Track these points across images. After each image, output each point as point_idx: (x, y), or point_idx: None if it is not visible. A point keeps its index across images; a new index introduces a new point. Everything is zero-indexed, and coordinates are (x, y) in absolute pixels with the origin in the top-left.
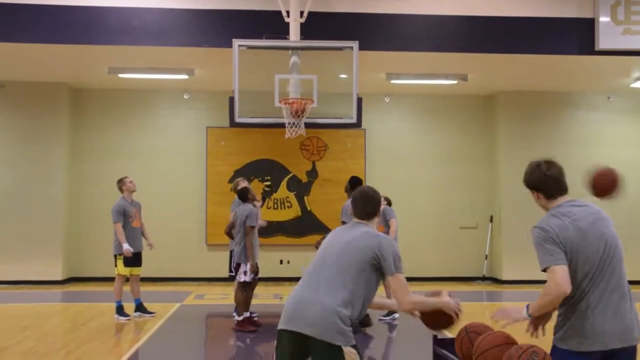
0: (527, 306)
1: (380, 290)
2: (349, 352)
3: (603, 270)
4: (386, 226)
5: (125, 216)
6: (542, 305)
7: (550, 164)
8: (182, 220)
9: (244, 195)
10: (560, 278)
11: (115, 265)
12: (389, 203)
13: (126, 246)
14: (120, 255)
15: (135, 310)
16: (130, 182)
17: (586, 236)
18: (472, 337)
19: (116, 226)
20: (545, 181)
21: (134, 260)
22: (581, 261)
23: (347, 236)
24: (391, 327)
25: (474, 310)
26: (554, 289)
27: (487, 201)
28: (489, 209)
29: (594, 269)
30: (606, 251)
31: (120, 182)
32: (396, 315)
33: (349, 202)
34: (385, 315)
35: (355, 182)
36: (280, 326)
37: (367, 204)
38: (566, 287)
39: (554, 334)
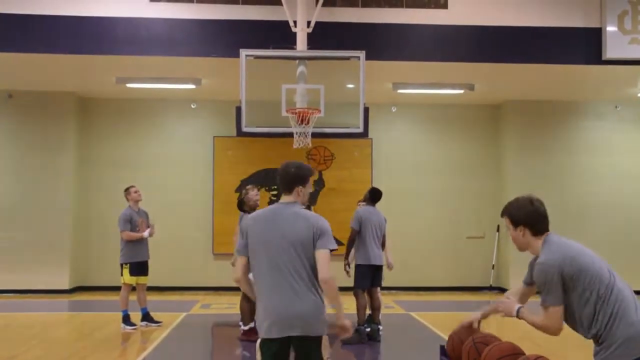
0: (519, 309)
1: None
2: (324, 339)
3: (612, 283)
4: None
5: (132, 225)
6: (533, 324)
7: (539, 201)
8: (188, 229)
9: (240, 206)
10: (561, 319)
11: (122, 275)
12: (375, 198)
13: (146, 233)
14: (126, 264)
15: (142, 320)
16: (136, 191)
17: (592, 258)
18: (480, 347)
19: (124, 234)
20: (537, 217)
21: (140, 269)
22: (595, 281)
23: (282, 227)
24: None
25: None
26: (554, 329)
27: (494, 211)
28: (495, 219)
29: (605, 284)
30: (607, 267)
31: (126, 192)
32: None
33: (359, 209)
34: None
35: (375, 193)
36: (264, 335)
37: (288, 177)
38: (560, 330)
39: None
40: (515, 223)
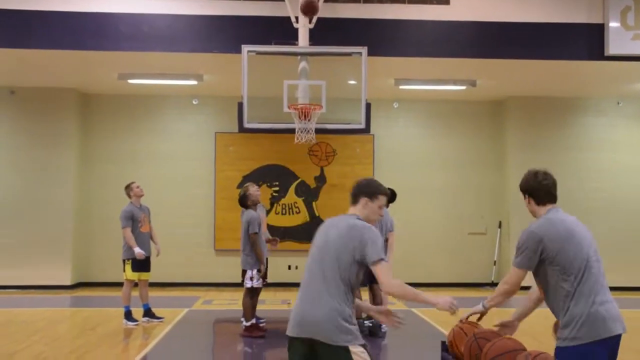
0: (483, 303)
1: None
2: (357, 352)
3: (591, 264)
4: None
5: (134, 221)
6: (499, 294)
7: (546, 174)
8: (190, 225)
9: (243, 202)
10: (519, 281)
11: (124, 270)
12: (391, 199)
13: (138, 249)
14: (128, 260)
15: (144, 316)
16: (137, 187)
17: (573, 235)
18: (481, 343)
19: (125, 231)
20: (539, 189)
21: (142, 265)
22: (570, 257)
23: (332, 232)
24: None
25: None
26: (509, 286)
27: (495, 207)
28: (497, 215)
29: (584, 263)
30: (591, 249)
31: (128, 188)
32: (384, 326)
33: None
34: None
35: (392, 195)
36: (288, 333)
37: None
38: (516, 289)
39: (562, 338)
40: (523, 192)
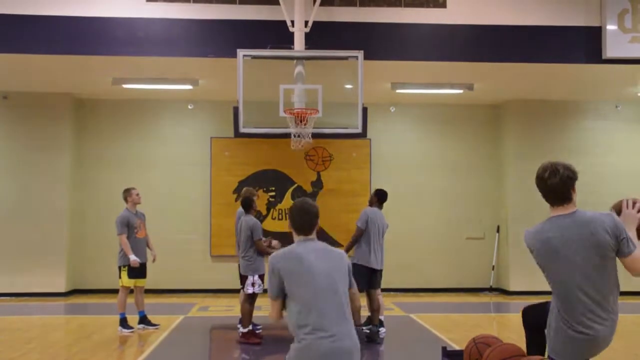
0: None
1: None
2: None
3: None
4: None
5: (130, 227)
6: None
7: (554, 172)
8: (186, 231)
9: (247, 204)
10: None
11: (120, 277)
12: (383, 200)
13: (133, 257)
14: (124, 266)
15: (139, 323)
16: (137, 194)
17: (557, 254)
18: (481, 348)
19: (121, 238)
20: (544, 189)
21: (138, 271)
22: (552, 273)
23: (322, 262)
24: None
25: (480, 322)
26: None
27: (493, 211)
28: (495, 219)
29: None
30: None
31: (126, 193)
32: (383, 329)
33: (367, 209)
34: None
35: (384, 195)
36: None
37: (312, 217)
38: None
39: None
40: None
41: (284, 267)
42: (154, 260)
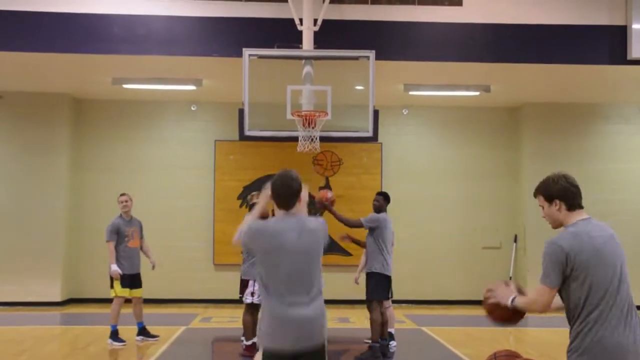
0: (514, 298)
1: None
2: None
3: (615, 287)
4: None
5: (120, 235)
6: (524, 307)
7: (572, 178)
8: (188, 238)
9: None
10: (545, 299)
11: (112, 287)
12: (388, 202)
13: (114, 267)
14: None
15: (138, 334)
16: (121, 201)
17: (601, 254)
18: None
19: (108, 245)
20: (570, 191)
21: (130, 282)
22: (595, 278)
23: (298, 240)
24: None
25: (497, 336)
26: (536, 306)
27: (511, 219)
28: (513, 228)
29: (607, 286)
30: (618, 270)
31: (118, 199)
32: (393, 342)
33: (379, 216)
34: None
35: (388, 197)
36: (272, 345)
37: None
38: (544, 308)
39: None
40: (550, 198)
41: (257, 244)
42: (153, 268)
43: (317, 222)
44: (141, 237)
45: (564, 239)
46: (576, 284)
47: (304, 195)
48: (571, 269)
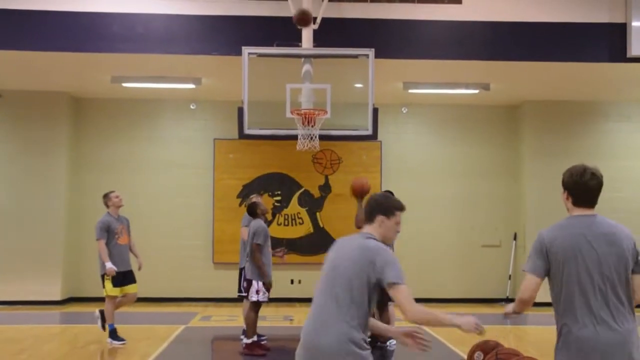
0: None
1: None
2: None
3: (591, 286)
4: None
5: (110, 233)
6: (517, 302)
7: (594, 175)
8: (187, 237)
9: (252, 211)
10: (526, 284)
11: (104, 287)
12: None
13: (109, 265)
14: (108, 275)
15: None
16: (117, 197)
17: (579, 251)
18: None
19: (99, 243)
20: (579, 188)
21: (121, 279)
22: (568, 275)
23: (343, 253)
24: (389, 352)
25: (496, 334)
26: (521, 293)
27: (510, 218)
28: (512, 226)
29: (582, 284)
30: (602, 269)
31: (106, 197)
32: (393, 341)
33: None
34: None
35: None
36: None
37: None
38: (525, 294)
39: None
40: (563, 185)
41: None
42: (140, 268)
43: None
44: (128, 234)
45: (548, 230)
46: (556, 280)
47: None
48: (550, 262)
